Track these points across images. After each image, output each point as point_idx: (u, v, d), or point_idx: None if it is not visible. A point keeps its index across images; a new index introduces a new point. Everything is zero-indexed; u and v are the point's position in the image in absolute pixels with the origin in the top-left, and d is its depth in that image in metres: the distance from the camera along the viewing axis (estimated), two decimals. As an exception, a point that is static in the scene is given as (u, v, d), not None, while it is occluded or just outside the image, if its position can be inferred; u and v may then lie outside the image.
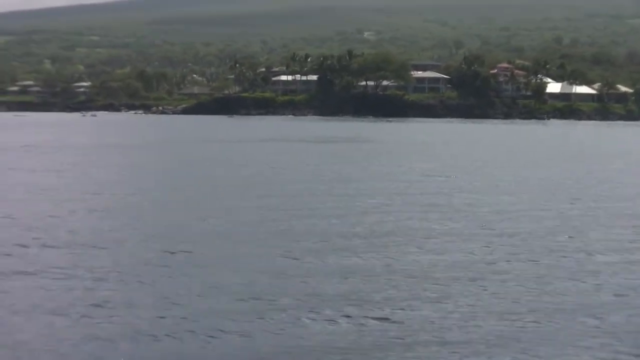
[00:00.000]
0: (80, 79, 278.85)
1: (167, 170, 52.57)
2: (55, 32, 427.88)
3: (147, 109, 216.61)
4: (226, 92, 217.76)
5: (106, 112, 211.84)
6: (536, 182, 44.73)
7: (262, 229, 26.37)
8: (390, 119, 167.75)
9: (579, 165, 58.82)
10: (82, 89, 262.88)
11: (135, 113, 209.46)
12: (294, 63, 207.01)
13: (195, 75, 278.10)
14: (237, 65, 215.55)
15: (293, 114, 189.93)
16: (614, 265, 21.20)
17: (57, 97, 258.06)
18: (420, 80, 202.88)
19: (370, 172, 49.86)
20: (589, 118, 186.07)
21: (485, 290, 18.34)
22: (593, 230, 27.05)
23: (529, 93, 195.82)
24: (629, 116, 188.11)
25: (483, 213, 30.81)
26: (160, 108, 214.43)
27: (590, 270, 20.53)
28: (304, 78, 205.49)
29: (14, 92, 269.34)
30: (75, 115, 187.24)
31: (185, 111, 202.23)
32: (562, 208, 32.89)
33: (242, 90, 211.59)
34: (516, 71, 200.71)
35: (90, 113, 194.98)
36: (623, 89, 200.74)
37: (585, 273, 20.23)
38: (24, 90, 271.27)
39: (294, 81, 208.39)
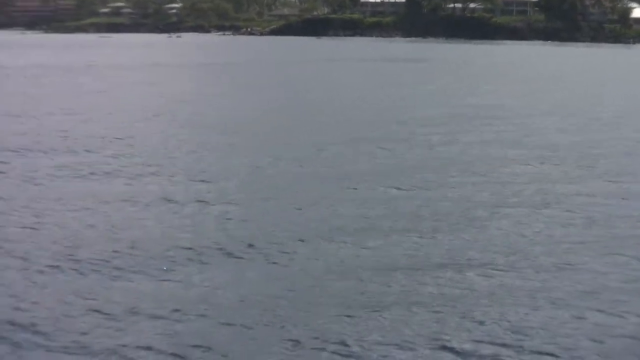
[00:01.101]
0: (172, 1, 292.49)
1: (234, 89, 56.19)
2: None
3: (236, 30, 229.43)
4: (315, 13, 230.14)
5: (195, 33, 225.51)
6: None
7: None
8: (476, 42, 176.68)
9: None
10: (173, 11, 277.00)
11: (222, 34, 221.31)
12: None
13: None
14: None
15: (381, 36, 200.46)
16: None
17: (148, 18, 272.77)
18: (508, 3, 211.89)
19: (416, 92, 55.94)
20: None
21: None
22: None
23: (614, 17, 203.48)
24: None
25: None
26: (249, 29, 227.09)
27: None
28: (392, 0, 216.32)
29: (105, 14, 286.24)
30: (162, 37, 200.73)
31: (274, 32, 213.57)
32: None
33: (331, 12, 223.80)
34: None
35: (175, 34, 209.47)
36: None
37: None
38: (115, 12, 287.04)
39: (382, 3, 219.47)
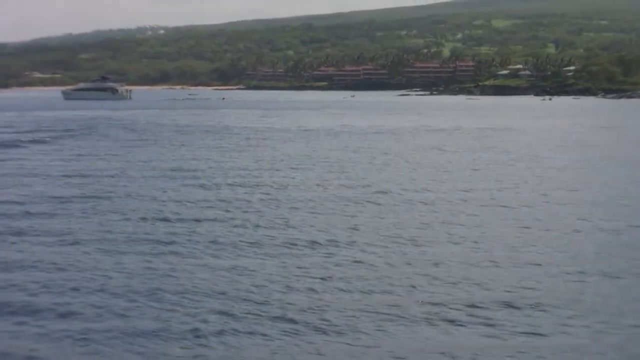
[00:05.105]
0: (570, 63, 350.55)
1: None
2: (565, 16, 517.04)
3: (619, 94, 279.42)
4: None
5: (578, 96, 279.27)
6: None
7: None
8: None
9: None
10: (570, 73, 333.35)
11: (602, 97, 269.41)
12: None
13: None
14: None
15: None
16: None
17: (547, 80, 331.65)
18: None
19: None
20: None
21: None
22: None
23: None
24: None
25: None
26: (629, 94, 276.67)
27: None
28: None
29: (503, 76, 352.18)
30: (535, 100, 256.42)
31: None
32: None
33: None
34: None
35: (548, 97, 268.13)
36: None
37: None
38: (514, 74, 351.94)
39: None
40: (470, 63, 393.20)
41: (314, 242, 30.09)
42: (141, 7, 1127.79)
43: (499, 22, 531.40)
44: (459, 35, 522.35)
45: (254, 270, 25.76)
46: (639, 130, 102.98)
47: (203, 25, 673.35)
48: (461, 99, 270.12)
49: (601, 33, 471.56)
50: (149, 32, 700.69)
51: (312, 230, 32.49)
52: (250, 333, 20.01)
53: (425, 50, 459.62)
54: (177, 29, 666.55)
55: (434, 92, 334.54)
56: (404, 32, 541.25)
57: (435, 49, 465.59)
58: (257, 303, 22.20)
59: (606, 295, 23.08)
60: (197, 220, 34.76)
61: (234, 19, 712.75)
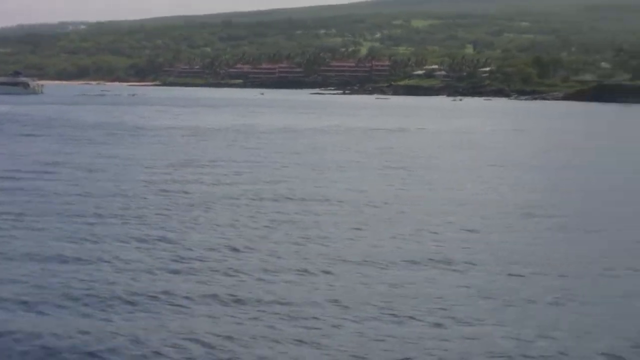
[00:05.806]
0: (486, 64, 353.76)
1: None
2: (485, 17, 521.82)
3: (533, 95, 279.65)
4: (613, 79, 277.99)
5: (491, 98, 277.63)
6: None
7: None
8: None
9: None
10: (485, 74, 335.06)
11: (515, 99, 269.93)
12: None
13: (604, 63, 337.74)
14: (622, 52, 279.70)
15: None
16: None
17: (462, 81, 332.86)
18: None
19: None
20: None
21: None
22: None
23: None
24: None
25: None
26: (542, 96, 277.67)
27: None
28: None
29: (418, 76, 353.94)
30: (447, 100, 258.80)
31: (566, 97, 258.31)
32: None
33: (630, 79, 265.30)
34: None
35: (459, 98, 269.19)
36: None
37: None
38: (429, 74, 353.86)
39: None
40: (386, 63, 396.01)
41: (142, 239, 29.40)
42: (66, 2, 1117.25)
43: (418, 22, 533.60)
44: (378, 35, 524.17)
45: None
46: (528, 132, 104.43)
47: (124, 20, 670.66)
48: (371, 99, 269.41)
49: (522, 34, 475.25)
50: (70, 27, 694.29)
51: (145, 227, 31.76)
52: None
53: (343, 49, 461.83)
54: (99, 24, 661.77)
55: (347, 92, 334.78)
56: (322, 31, 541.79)
57: (353, 48, 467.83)
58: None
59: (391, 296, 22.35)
60: (47, 214, 33.89)
61: (157, 15, 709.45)
